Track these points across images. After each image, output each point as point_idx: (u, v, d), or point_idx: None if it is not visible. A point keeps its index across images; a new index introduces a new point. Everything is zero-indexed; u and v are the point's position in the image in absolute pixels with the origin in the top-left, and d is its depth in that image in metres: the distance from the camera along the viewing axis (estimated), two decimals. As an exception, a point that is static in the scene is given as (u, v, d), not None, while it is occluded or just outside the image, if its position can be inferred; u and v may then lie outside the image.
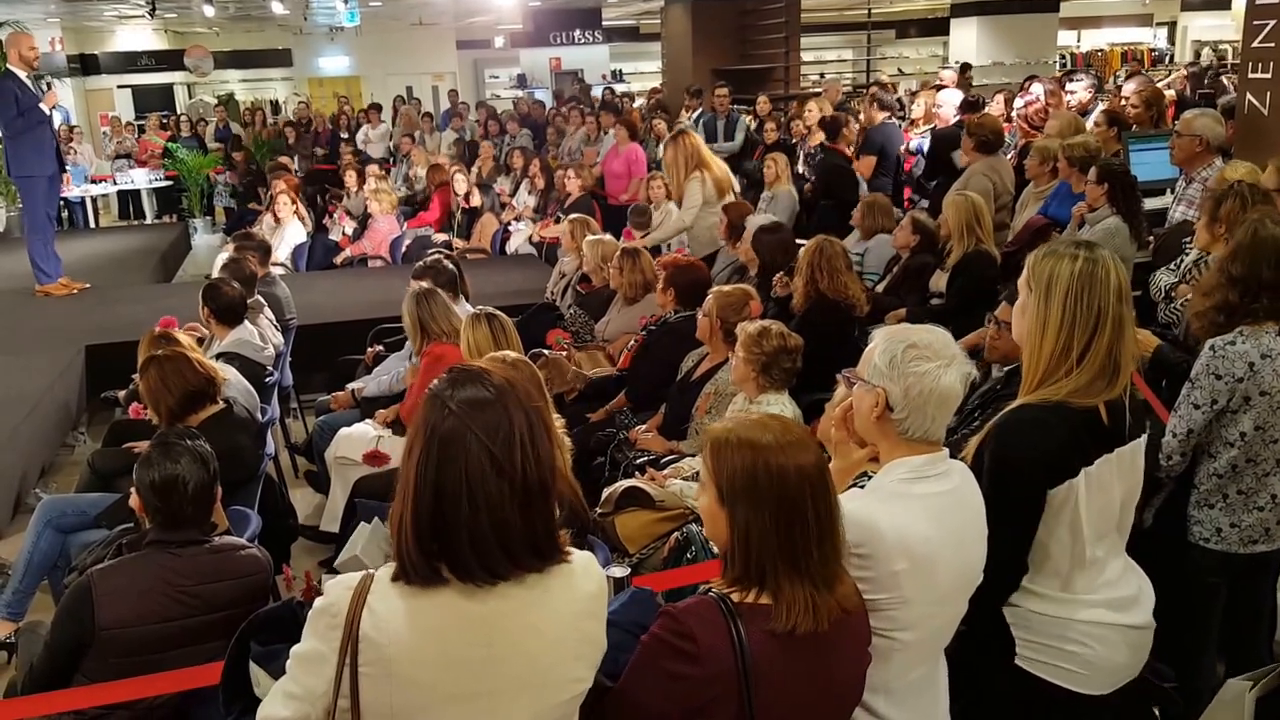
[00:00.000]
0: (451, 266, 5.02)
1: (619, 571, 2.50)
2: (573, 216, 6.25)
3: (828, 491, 1.64)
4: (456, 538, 1.38)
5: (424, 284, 4.36)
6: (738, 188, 6.59)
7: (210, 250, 10.28)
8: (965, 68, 11.45)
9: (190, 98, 18.53)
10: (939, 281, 4.89)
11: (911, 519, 1.78)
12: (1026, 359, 2.02)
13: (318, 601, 1.44)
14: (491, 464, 1.38)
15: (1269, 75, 4.79)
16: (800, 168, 7.52)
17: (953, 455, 1.92)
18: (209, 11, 12.27)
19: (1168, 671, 2.31)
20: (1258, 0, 4.79)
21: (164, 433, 2.67)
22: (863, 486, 1.94)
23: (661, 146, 7.00)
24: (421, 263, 5.08)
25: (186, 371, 3.44)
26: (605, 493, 3.41)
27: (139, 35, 17.99)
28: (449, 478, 1.38)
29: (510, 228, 8.59)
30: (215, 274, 5.20)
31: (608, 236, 5.86)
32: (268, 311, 5.05)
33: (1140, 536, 2.83)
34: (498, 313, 3.72)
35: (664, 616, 1.62)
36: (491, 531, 1.39)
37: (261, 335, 4.69)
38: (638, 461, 3.80)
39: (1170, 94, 8.90)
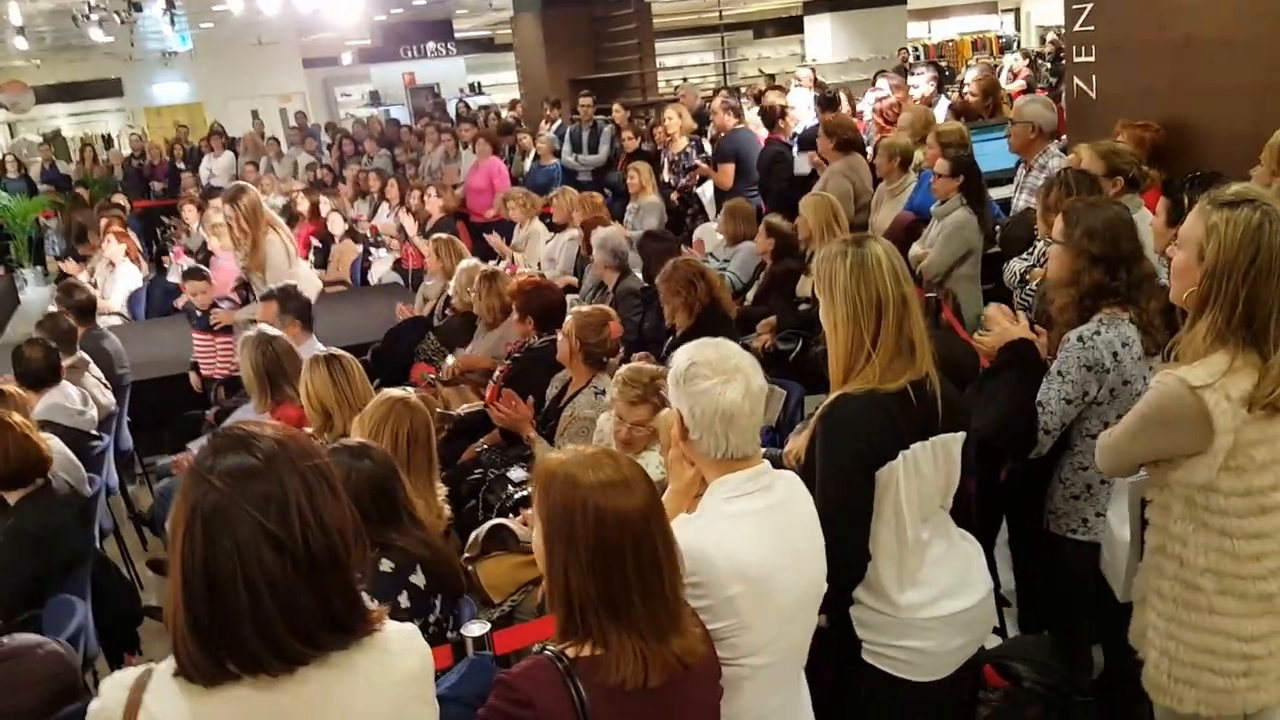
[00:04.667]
0: (305, 295, 4.66)
1: (477, 629, 2.34)
2: (436, 236, 5.97)
3: (652, 539, 1.55)
4: (239, 628, 1.23)
5: (263, 329, 3.99)
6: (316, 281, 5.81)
7: (42, 303, 9.49)
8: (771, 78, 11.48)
9: (13, 137, 17.13)
10: (805, 286, 4.90)
11: (740, 538, 1.75)
12: (830, 357, 2.10)
13: (92, 704, 1.33)
14: (267, 539, 1.24)
15: (1092, 59, 4.93)
16: (665, 175, 7.47)
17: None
18: (22, 44, 11.32)
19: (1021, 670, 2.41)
20: (1076, -16, 4.92)
21: None
22: None
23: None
24: (272, 286, 4.68)
25: (10, 446, 3.10)
26: (471, 536, 3.23)
27: (-53, 72, 16.55)
28: (220, 561, 1.23)
29: (371, 255, 8.23)
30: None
31: (475, 260, 5.64)
32: (94, 369, 4.61)
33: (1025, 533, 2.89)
34: (340, 353, 3.43)
35: (499, 685, 1.54)
36: (279, 615, 1.24)
37: (85, 397, 4.27)
38: (510, 503, 3.62)
39: (1019, 85, 9.21)
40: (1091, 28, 4.86)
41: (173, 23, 10.05)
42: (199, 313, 5.56)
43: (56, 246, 11.18)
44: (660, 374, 3.15)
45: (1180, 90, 4.49)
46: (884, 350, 2.01)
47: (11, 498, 3.14)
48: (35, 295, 10.75)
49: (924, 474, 2.07)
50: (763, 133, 7.09)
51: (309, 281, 5.47)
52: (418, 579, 2.39)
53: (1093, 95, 4.94)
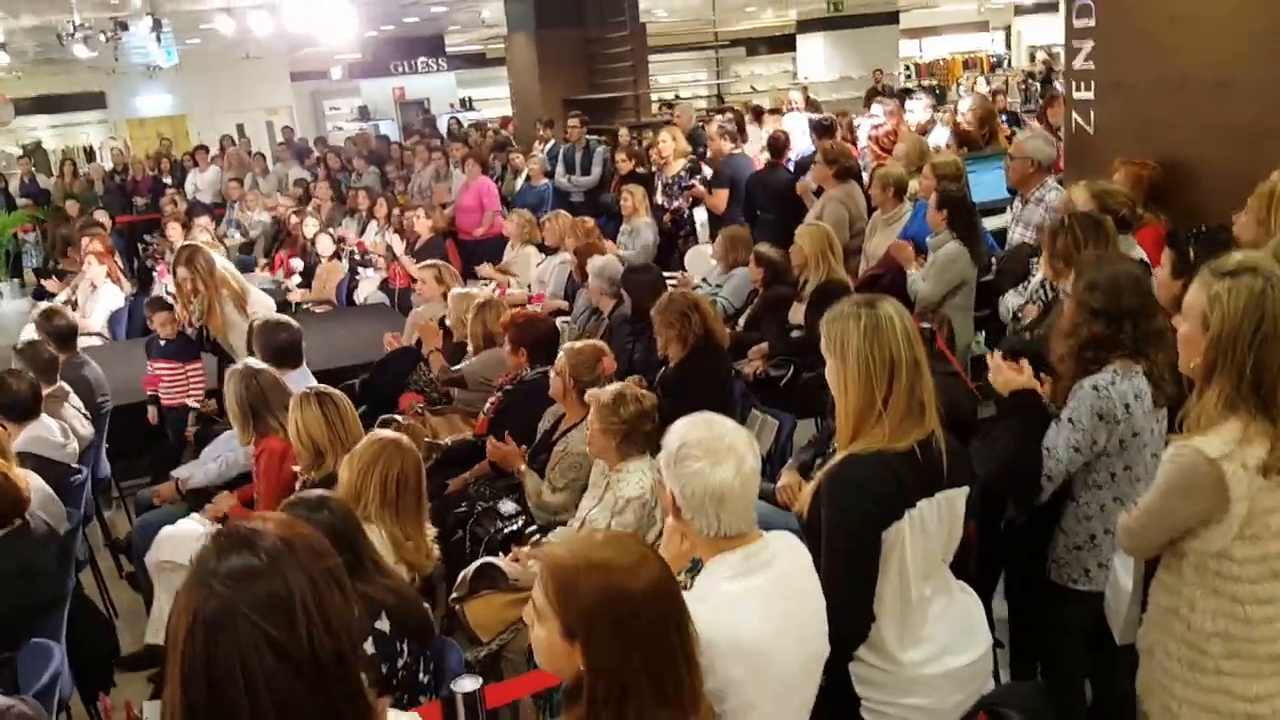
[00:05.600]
0: (298, 326, 4.57)
1: (469, 685, 2.27)
2: (430, 261, 5.89)
3: (682, 606, 1.52)
4: None
5: (250, 361, 3.92)
6: (270, 304, 5.71)
7: (19, 317, 9.38)
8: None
9: (-8, 149, 16.97)
10: (797, 313, 4.88)
11: (741, 620, 1.74)
12: (839, 416, 2.09)
13: None
14: (269, 644, 1.19)
15: (1091, 95, 4.95)
16: (659, 198, 7.43)
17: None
18: (2, 58, 11.16)
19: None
20: (1075, 24, 4.94)
21: None
22: (689, 586, 1.88)
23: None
24: (265, 320, 4.57)
25: None
26: (460, 576, 3.16)
27: (-76, 84, 16.32)
28: (220, 667, 1.18)
29: (358, 274, 8.14)
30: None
31: (472, 289, 5.58)
32: (74, 399, 4.49)
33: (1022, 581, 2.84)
34: (331, 390, 3.39)
35: None
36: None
37: (65, 428, 4.16)
38: (500, 537, 3.55)
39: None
40: (1091, 65, 4.88)
41: (159, 40, 9.95)
42: (162, 342, 5.34)
43: (35, 260, 11.05)
44: (631, 392, 3.14)
45: (1178, 129, 4.51)
46: (894, 411, 2.01)
47: (-12, 536, 3.03)
48: (12, 309, 10.63)
49: (929, 531, 2.06)
50: (764, 156, 7.05)
51: (264, 308, 5.46)
52: (382, 624, 2.39)
53: (1090, 131, 4.96)
